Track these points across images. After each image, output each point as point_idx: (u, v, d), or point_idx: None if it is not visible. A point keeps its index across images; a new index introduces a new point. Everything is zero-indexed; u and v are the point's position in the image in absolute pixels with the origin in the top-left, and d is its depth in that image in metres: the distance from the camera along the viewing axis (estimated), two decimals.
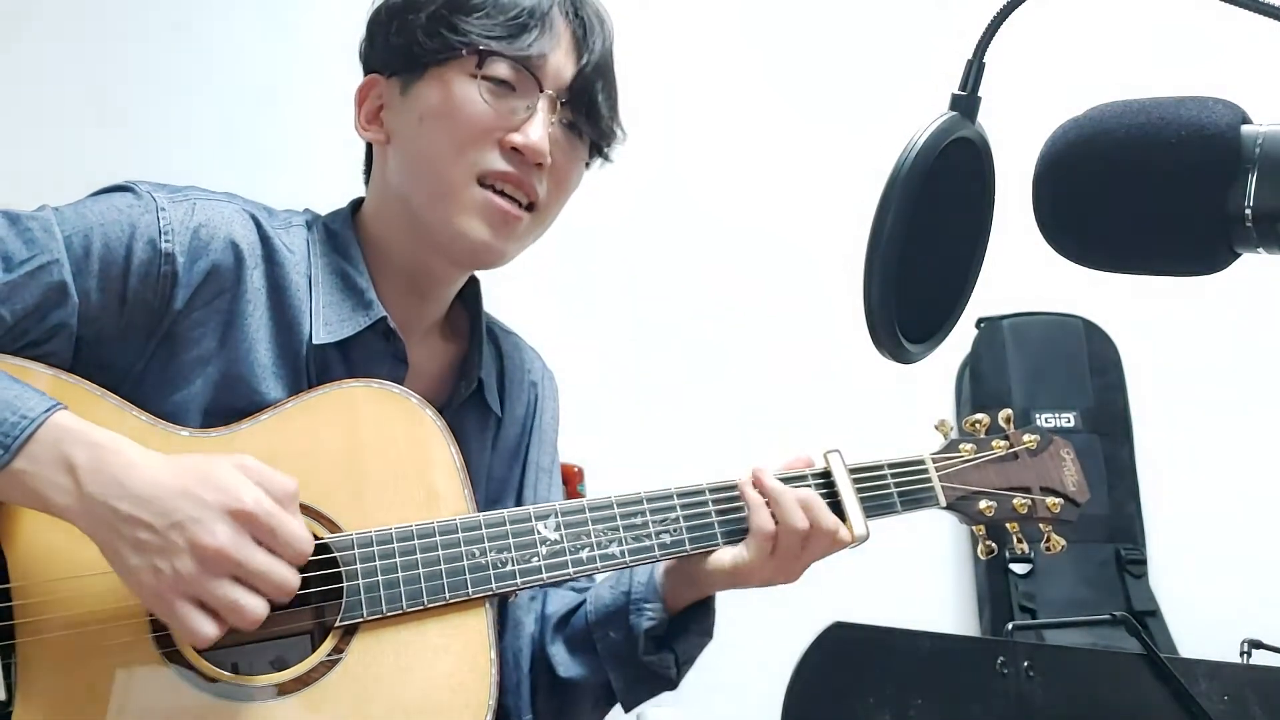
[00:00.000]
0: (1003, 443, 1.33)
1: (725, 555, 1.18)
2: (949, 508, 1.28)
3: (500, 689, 1.05)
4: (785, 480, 1.21)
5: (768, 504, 1.17)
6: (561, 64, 1.17)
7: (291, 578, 0.94)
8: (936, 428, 1.32)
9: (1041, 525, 1.32)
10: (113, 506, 0.91)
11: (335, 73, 1.31)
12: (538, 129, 1.14)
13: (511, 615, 1.27)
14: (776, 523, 1.16)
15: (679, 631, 1.23)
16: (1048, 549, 1.31)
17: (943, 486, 1.27)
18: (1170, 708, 1.40)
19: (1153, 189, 0.66)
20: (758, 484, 1.19)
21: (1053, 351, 2.48)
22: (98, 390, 1.04)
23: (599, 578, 1.31)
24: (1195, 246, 0.67)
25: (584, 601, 1.27)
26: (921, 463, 1.28)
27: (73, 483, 0.92)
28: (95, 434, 0.94)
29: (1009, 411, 1.34)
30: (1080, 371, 2.48)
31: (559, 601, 1.31)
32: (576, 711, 1.27)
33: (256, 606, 0.93)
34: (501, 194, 1.15)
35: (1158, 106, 0.66)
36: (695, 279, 2.45)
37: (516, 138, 1.14)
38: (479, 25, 1.14)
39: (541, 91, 1.15)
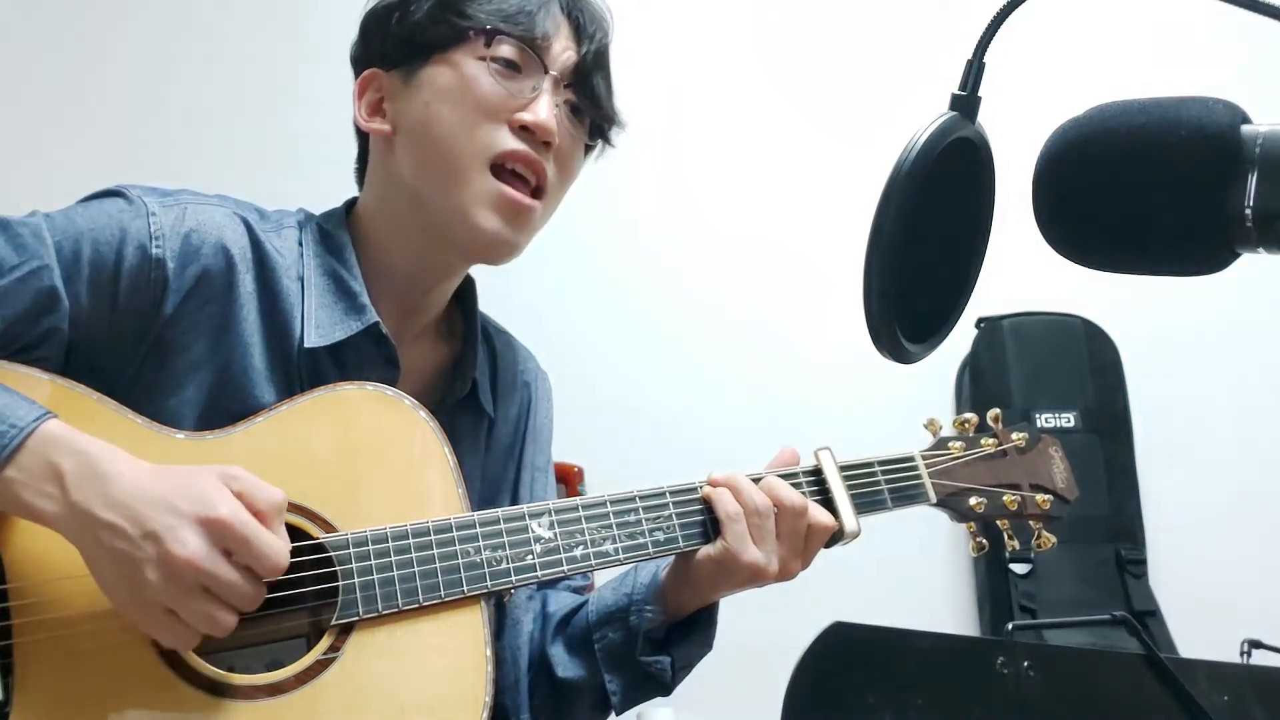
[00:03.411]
0: (991, 440, 1.33)
1: (711, 546, 1.17)
2: (939, 504, 1.28)
3: (496, 687, 1.05)
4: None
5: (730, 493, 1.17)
6: (563, 49, 1.19)
7: (256, 590, 0.94)
8: (926, 426, 1.33)
9: (1031, 522, 1.32)
10: (94, 514, 0.91)
11: (335, 72, 1.31)
12: (545, 107, 1.16)
13: (510, 614, 1.27)
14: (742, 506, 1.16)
15: (678, 637, 1.23)
16: (1038, 546, 1.31)
17: (933, 483, 1.28)
18: (1170, 708, 1.40)
19: (1153, 189, 0.66)
20: (713, 481, 1.19)
21: (1053, 351, 2.48)
22: (95, 395, 1.04)
23: (599, 579, 1.31)
24: (1195, 246, 0.66)
25: (586, 602, 1.27)
26: (912, 459, 1.28)
27: (59, 490, 0.92)
28: (83, 442, 0.94)
29: (997, 410, 1.35)
30: (1080, 371, 2.48)
31: (560, 602, 1.32)
32: (573, 712, 1.27)
33: (223, 619, 0.93)
34: (513, 175, 1.16)
35: (1158, 106, 0.66)
36: (696, 278, 2.44)
37: (525, 116, 1.15)
38: (484, 9, 1.17)
39: (546, 72, 1.17)
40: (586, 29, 1.21)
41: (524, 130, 1.16)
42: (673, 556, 1.21)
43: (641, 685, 1.23)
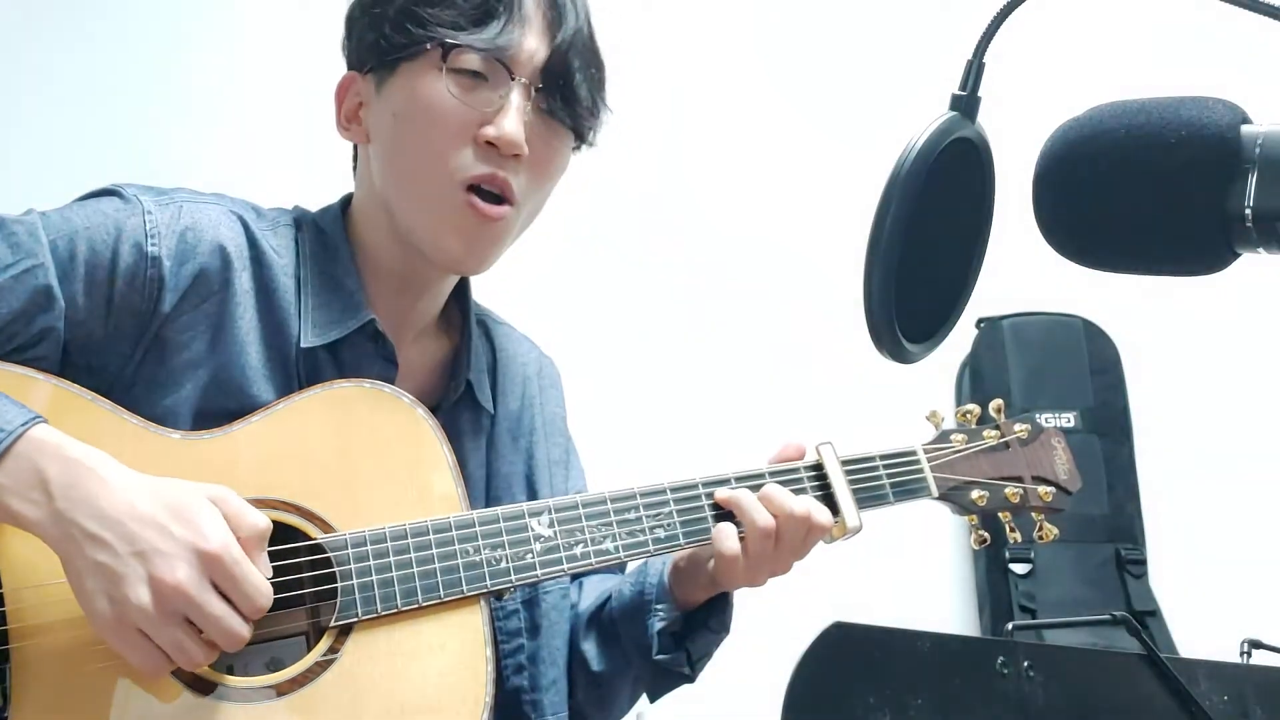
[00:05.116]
0: (993, 433, 1.32)
1: (711, 560, 1.18)
2: (941, 498, 1.28)
3: (497, 686, 1.05)
4: (777, 475, 1.21)
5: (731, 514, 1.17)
6: (534, 47, 1.12)
7: (242, 630, 0.94)
8: (928, 419, 1.32)
9: (1034, 514, 1.31)
10: (80, 524, 0.91)
11: (333, 65, 1.30)
12: (511, 120, 1.10)
13: (545, 614, 1.26)
14: (741, 527, 1.16)
15: (694, 628, 1.23)
16: (1040, 538, 1.31)
17: (935, 477, 1.27)
18: (1170, 708, 1.40)
19: (1153, 189, 0.66)
20: (719, 500, 1.18)
21: (1053, 351, 2.48)
22: (89, 395, 1.03)
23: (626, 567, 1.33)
24: (1195, 246, 0.66)
25: (610, 596, 1.28)
26: (913, 453, 1.28)
27: (44, 497, 0.91)
28: (72, 449, 0.94)
29: (999, 402, 1.34)
30: (1080, 371, 2.48)
31: (590, 597, 1.32)
32: (616, 701, 1.29)
33: (196, 653, 0.93)
34: (483, 193, 1.12)
35: (1158, 106, 0.66)
36: (696, 277, 2.45)
37: (489, 130, 1.10)
38: (443, 15, 1.10)
39: (513, 80, 1.11)
40: (560, 18, 1.13)
41: (489, 146, 1.11)
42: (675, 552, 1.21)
43: (664, 677, 1.25)
